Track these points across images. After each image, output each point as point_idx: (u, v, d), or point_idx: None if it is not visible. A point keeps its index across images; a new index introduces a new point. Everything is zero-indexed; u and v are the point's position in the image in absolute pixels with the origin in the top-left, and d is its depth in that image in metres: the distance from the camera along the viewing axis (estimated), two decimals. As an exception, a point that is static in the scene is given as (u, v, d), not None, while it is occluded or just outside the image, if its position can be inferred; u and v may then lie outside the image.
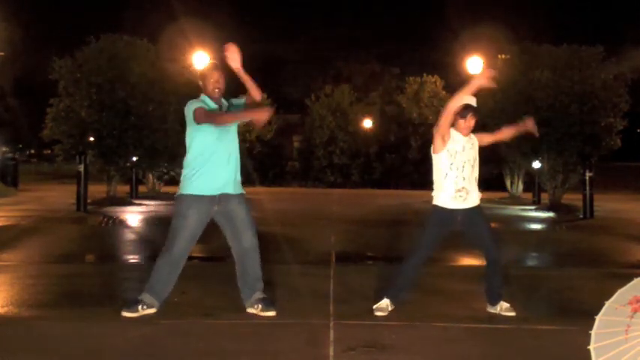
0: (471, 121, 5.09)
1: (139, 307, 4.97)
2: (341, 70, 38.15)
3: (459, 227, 5.21)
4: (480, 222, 5.21)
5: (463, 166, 5.10)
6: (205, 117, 4.91)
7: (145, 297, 5.01)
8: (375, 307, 5.15)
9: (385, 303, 5.15)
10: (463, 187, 5.10)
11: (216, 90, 5.05)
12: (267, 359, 4.17)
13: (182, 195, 5.03)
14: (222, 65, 5.15)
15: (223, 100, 5.17)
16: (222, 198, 5.03)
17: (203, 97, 5.09)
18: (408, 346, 4.38)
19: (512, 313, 5.14)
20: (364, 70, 37.46)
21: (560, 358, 4.29)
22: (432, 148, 5.19)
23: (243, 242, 5.08)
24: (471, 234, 5.25)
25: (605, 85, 14.37)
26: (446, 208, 5.13)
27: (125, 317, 4.91)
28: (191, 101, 5.07)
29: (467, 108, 5.09)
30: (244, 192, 5.21)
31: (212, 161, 5.00)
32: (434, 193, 5.22)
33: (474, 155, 5.18)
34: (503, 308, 5.17)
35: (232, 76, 5.17)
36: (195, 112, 4.92)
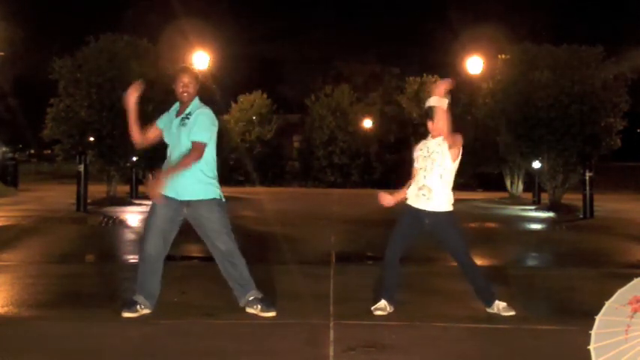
0: (437, 124, 5.12)
1: (137, 307, 4.97)
2: (341, 70, 38.13)
3: (428, 230, 5.28)
4: (448, 229, 5.25)
5: (426, 167, 5.19)
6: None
7: (139, 298, 5.02)
8: (373, 307, 5.17)
9: (383, 303, 5.17)
10: (424, 185, 5.18)
11: (184, 94, 5.06)
12: (267, 359, 4.17)
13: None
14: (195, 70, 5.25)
15: (194, 105, 5.09)
16: (191, 203, 4.99)
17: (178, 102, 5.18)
18: (408, 346, 4.38)
19: (511, 312, 5.12)
20: (364, 70, 37.45)
21: (560, 358, 4.29)
22: None
23: (220, 246, 5.05)
24: (439, 240, 5.37)
25: (605, 85, 14.37)
26: (412, 207, 5.25)
27: (126, 317, 4.92)
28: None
29: (428, 112, 5.19)
30: (218, 197, 5.06)
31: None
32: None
33: (441, 157, 5.16)
34: (500, 308, 5.16)
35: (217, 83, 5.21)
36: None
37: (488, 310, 5.21)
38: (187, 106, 5.09)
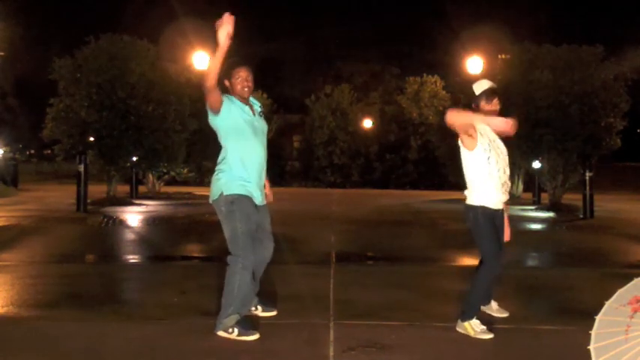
0: (497, 106, 4.80)
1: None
2: (341, 70, 38.12)
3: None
4: (502, 224, 4.86)
5: (498, 157, 4.69)
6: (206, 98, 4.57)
7: (237, 316, 4.56)
8: (478, 335, 4.60)
9: (478, 324, 4.66)
10: (506, 181, 4.73)
11: (246, 89, 4.75)
12: (267, 359, 4.17)
13: (240, 195, 4.63)
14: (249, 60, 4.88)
15: (253, 100, 4.88)
16: (259, 207, 4.82)
17: (229, 96, 4.73)
18: (408, 346, 4.38)
19: (505, 314, 5.10)
20: (364, 70, 37.44)
21: (560, 358, 4.29)
22: (461, 147, 4.74)
23: (265, 252, 4.87)
24: None
25: (605, 85, 14.36)
26: (491, 208, 4.67)
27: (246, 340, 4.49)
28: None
29: (492, 92, 4.82)
30: None
31: (255, 169, 4.74)
32: (474, 193, 4.71)
33: (504, 146, 4.83)
34: (494, 309, 5.13)
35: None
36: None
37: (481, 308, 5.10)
38: (248, 101, 4.80)
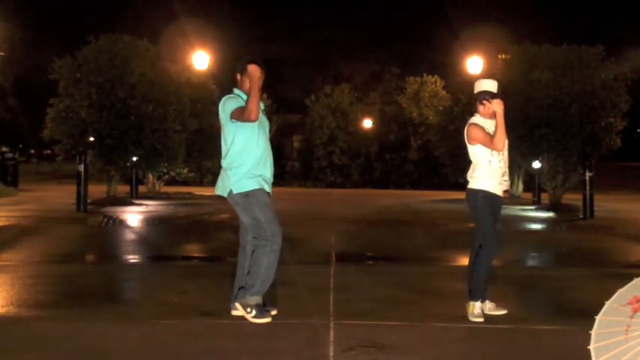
0: (489, 107, 5.07)
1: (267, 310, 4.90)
2: (341, 70, 38.09)
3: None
4: (499, 214, 5.22)
5: (503, 152, 5.08)
6: (239, 115, 4.81)
7: (260, 298, 4.89)
8: (471, 316, 4.98)
9: (479, 306, 5.02)
10: (505, 172, 5.12)
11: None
12: (267, 359, 4.17)
13: (252, 190, 4.87)
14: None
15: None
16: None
17: (238, 92, 4.96)
18: (408, 346, 4.38)
19: (503, 311, 5.12)
20: (364, 70, 37.42)
21: (560, 358, 4.29)
22: (465, 139, 5.14)
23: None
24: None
25: (605, 85, 14.37)
26: (492, 193, 5.05)
27: (259, 323, 4.79)
28: (227, 98, 4.94)
29: (485, 94, 5.09)
30: None
31: (262, 161, 4.96)
32: (475, 179, 5.09)
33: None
34: (489, 308, 5.13)
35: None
36: (232, 112, 4.83)
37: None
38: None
